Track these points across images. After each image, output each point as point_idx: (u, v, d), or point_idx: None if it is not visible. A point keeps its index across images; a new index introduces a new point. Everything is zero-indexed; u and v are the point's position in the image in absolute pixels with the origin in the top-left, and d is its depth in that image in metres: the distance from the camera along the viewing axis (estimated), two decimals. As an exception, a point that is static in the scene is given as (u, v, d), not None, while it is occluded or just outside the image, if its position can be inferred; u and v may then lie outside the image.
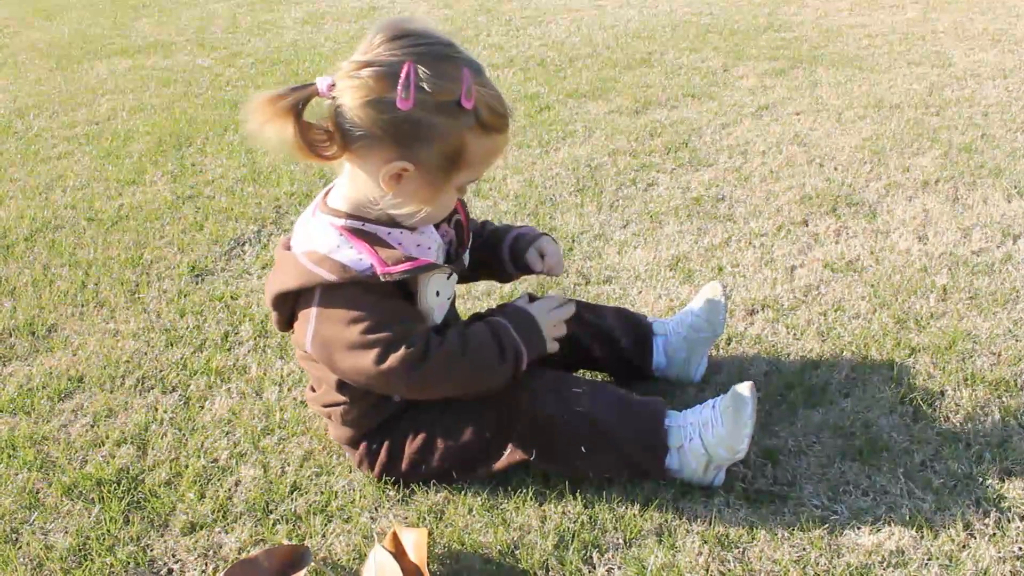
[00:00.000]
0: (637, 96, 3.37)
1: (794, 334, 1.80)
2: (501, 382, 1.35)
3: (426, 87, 1.17)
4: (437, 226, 1.42)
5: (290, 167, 2.83)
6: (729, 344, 1.77)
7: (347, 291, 1.27)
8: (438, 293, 1.35)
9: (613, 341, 1.61)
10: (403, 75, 1.16)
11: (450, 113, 1.19)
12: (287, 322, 1.37)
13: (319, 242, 1.30)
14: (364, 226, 1.29)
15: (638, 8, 4.99)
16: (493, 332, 1.35)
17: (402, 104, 1.17)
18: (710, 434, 1.36)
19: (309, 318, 1.31)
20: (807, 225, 2.27)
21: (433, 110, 1.18)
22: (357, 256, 1.27)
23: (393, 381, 1.30)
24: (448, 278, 1.38)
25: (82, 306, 2.06)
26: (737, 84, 3.49)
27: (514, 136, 3.00)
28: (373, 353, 1.27)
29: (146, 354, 1.85)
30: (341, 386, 1.39)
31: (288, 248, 1.35)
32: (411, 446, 1.41)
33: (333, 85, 1.21)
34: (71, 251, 2.34)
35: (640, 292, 1.98)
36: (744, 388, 1.35)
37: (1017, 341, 1.74)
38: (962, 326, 1.79)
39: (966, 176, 2.50)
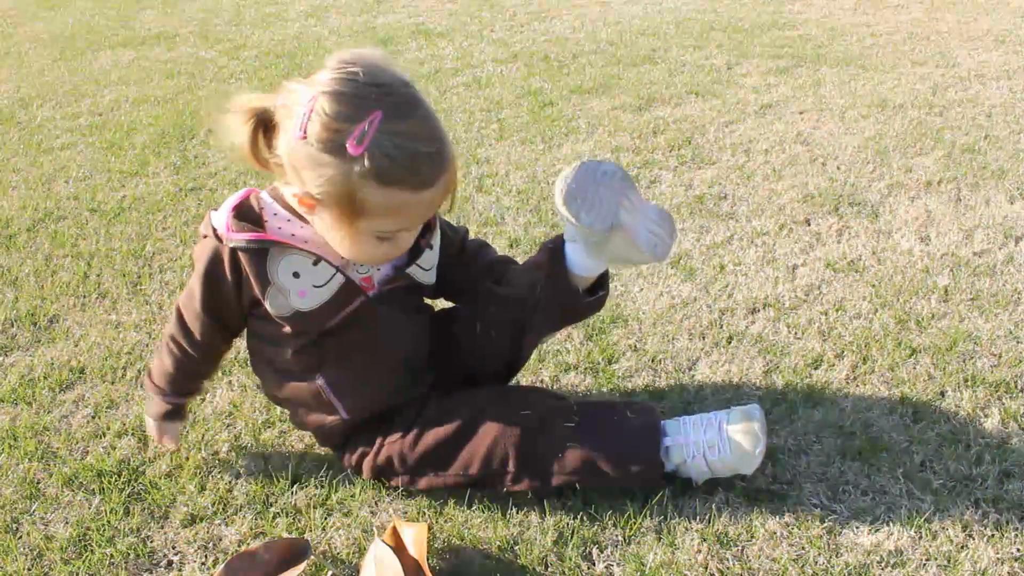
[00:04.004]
0: (641, 93, 3.37)
1: (795, 333, 1.80)
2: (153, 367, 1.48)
3: (316, 122, 1.12)
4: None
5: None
6: (730, 343, 1.77)
7: (200, 248, 1.33)
8: (297, 275, 1.29)
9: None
10: (304, 105, 1.13)
11: (337, 155, 1.12)
12: None
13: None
14: (272, 204, 1.29)
15: (643, 5, 4.99)
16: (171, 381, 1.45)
17: (294, 135, 1.14)
18: (715, 457, 1.35)
19: None
20: (809, 224, 2.27)
21: (322, 148, 1.13)
22: (221, 217, 1.29)
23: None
24: (315, 264, 1.29)
25: (84, 297, 2.06)
26: (741, 82, 3.48)
27: (517, 132, 3.00)
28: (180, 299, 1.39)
29: (147, 346, 1.85)
30: (270, 381, 1.46)
31: None
32: (399, 480, 1.42)
33: (280, 104, 1.20)
34: (73, 242, 2.34)
35: (641, 290, 1.98)
36: (756, 422, 1.35)
37: (1018, 343, 1.74)
38: (963, 327, 1.79)
39: (969, 177, 2.50)
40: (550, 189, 2.54)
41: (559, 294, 1.37)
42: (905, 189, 2.44)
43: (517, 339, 1.44)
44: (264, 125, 1.21)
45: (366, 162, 1.12)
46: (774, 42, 4.06)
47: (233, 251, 1.29)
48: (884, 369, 1.68)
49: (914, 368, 1.68)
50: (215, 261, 1.31)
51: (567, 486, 1.38)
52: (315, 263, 1.29)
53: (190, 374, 1.45)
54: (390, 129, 1.12)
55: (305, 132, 1.13)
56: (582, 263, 1.35)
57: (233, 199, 1.31)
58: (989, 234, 2.17)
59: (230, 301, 1.34)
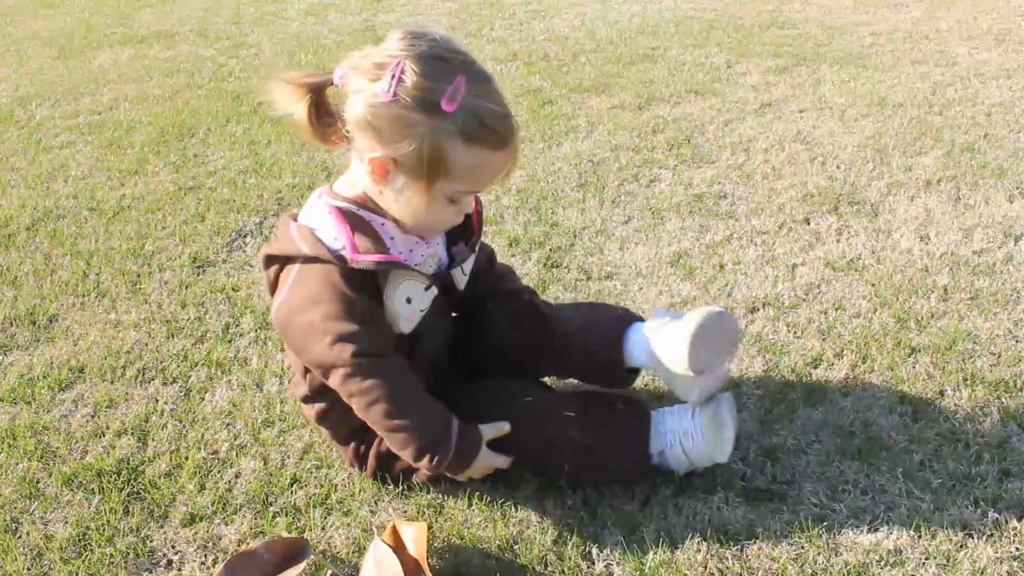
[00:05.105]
0: (640, 92, 3.37)
1: (795, 332, 1.80)
2: (399, 452, 1.32)
3: (408, 82, 1.17)
4: (454, 243, 1.41)
5: (292, 159, 2.83)
6: (730, 342, 1.77)
7: (322, 270, 1.26)
8: (409, 300, 1.31)
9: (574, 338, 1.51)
10: (391, 68, 1.17)
11: (429, 112, 1.17)
12: (273, 287, 1.36)
13: (310, 216, 1.32)
14: (359, 211, 1.29)
15: (642, 4, 4.98)
16: (437, 424, 1.31)
17: (383, 95, 1.18)
18: (690, 444, 1.38)
19: (283, 287, 1.31)
20: (809, 223, 2.27)
21: (412, 106, 1.17)
22: (334, 236, 1.27)
23: (331, 375, 1.28)
24: (427, 290, 1.33)
25: (83, 296, 2.06)
26: (740, 81, 3.48)
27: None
28: (326, 340, 1.25)
29: (147, 345, 1.85)
30: (310, 380, 1.40)
31: (293, 219, 1.36)
32: (400, 463, 1.41)
33: (344, 75, 1.24)
34: (72, 241, 2.34)
35: (641, 288, 1.98)
36: (724, 408, 1.38)
37: (1017, 342, 1.74)
38: (962, 326, 1.79)
39: (968, 176, 2.50)
40: (550, 188, 2.54)
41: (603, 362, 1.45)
42: (904, 188, 2.44)
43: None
44: (319, 98, 1.26)
45: (458, 119, 1.17)
46: (774, 41, 4.06)
47: (357, 272, 1.25)
48: (883, 368, 1.68)
49: (913, 367, 1.68)
50: (349, 279, 1.25)
51: (564, 477, 1.40)
52: (427, 288, 1.32)
53: (420, 391, 1.32)
54: (473, 92, 1.19)
55: (395, 93, 1.16)
56: (639, 354, 1.42)
57: (327, 216, 1.28)
58: (988, 233, 2.17)
59: (376, 308, 1.29)
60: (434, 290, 1.35)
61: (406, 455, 1.30)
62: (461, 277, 1.44)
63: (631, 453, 1.40)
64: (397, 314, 1.31)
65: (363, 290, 1.27)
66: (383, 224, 1.30)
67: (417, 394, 1.31)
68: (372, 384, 1.26)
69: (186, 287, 2.08)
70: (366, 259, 1.25)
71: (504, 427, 1.35)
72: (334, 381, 1.28)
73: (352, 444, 1.45)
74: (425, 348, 1.41)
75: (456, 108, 1.17)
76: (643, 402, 1.47)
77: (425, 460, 1.29)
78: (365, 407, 1.28)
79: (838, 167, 2.61)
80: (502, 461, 1.36)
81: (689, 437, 1.37)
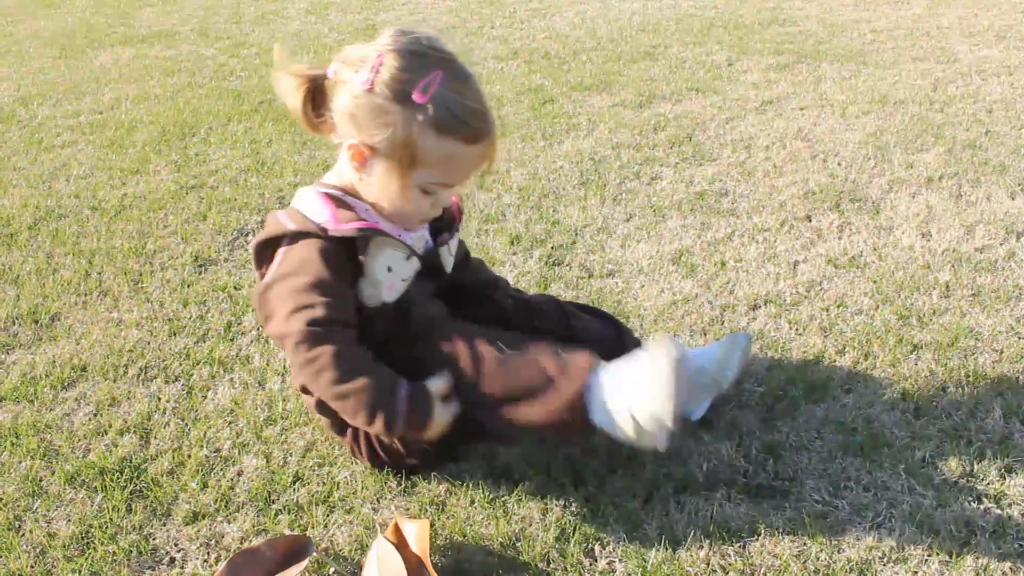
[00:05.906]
0: (641, 90, 3.36)
1: (796, 329, 1.80)
2: (352, 420, 1.32)
3: (385, 73, 1.23)
4: (438, 233, 1.45)
5: (293, 157, 2.83)
6: (731, 339, 1.77)
7: (304, 246, 1.31)
8: (390, 269, 1.35)
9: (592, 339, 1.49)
10: (371, 60, 1.24)
11: (402, 103, 1.23)
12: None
13: (297, 201, 1.37)
14: (344, 196, 1.35)
15: (643, 2, 4.98)
16: (383, 385, 1.29)
17: (363, 86, 1.24)
18: (635, 402, 1.21)
19: (270, 269, 1.34)
20: (810, 221, 2.27)
21: (387, 96, 1.24)
22: (318, 210, 1.32)
23: (286, 345, 1.29)
24: (407, 259, 1.36)
25: (85, 295, 2.06)
26: (741, 78, 3.48)
27: (518, 129, 2.99)
28: (285, 310, 1.28)
29: (149, 343, 1.86)
30: None
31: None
32: (398, 446, 1.41)
33: (336, 68, 1.30)
34: (74, 240, 2.34)
35: (643, 286, 1.98)
36: (658, 355, 1.20)
37: (1019, 338, 1.74)
38: (964, 323, 1.79)
39: (970, 173, 2.50)
40: (551, 186, 2.54)
41: None
42: (906, 185, 2.44)
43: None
44: (315, 90, 1.32)
45: (429, 110, 1.23)
46: (774, 38, 4.06)
47: (340, 241, 1.30)
48: (886, 365, 1.68)
49: (916, 364, 1.68)
50: (327, 253, 1.29)
51: (498, 427, 1.32)
52: (408, 258, 1.36)
53: (367, 359, 1.31)
54: (449, 87, 1.24)
55: (372, 84, 1.23)
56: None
57: (314, 197, 1.34)
58: (990, 230, 2.17)
59: (344, 285, 1.33)
60: (416, 261, 1.38)
61: (359, 421, 1.29)
62: (448, 258, 1.48)
63: (561, 400, 1.26)
64: (379, 281, 1.34)
65: (342, 263, 1.31)
66: (367, 210, 1.35)
67: (364, 360, 1.31)
68: (319, 352, 1.27)
69: (188, 286, 2.08)
70: (347, 226, 1.30)
71: (446, 378, 1.32)
72: (287, 352, 1.31)
73: (349, 431, 1.45)
74: (415, 321, 1.41)
75: (428, 100, 1.22)
76: (592, 354, 1.31)
77: (379, 423, 1.27)
78: (314, 376, 1.28)
79: (839, 164, 2.60)
80: (455, 408, 1.33)
81: (634, 396, 1.21)
